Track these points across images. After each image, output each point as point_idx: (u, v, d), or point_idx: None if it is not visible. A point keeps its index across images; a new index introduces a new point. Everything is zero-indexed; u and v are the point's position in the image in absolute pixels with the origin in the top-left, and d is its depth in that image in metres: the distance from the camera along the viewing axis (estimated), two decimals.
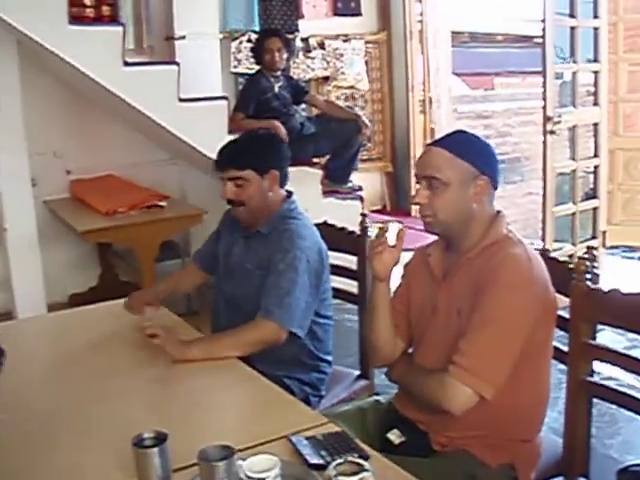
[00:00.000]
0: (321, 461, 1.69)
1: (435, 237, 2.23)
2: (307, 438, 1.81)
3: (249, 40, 5.97)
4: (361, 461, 1.58)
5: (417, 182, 2.16)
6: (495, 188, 2.15)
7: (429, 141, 6.55)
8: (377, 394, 2.82)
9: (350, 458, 1.62)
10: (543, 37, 5.09)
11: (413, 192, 2.29)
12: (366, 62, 6.67)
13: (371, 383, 3.02)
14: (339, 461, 1.60)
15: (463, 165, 2.07)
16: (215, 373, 2.34)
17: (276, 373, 2.57)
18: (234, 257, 2.83)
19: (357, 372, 3.04)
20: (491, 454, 2.07)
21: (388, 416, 2.30)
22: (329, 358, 2.88)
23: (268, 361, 2.56)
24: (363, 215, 3.05)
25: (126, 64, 4.55)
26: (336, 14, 6.55)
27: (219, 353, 2.43)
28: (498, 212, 2.17)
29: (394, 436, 2.20)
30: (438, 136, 2.38)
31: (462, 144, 2.12)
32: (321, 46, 6.43)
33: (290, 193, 2.84)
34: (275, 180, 2.73)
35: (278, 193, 2.77)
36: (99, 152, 5.68)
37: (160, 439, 1.65)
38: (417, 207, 2.21)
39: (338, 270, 2.99)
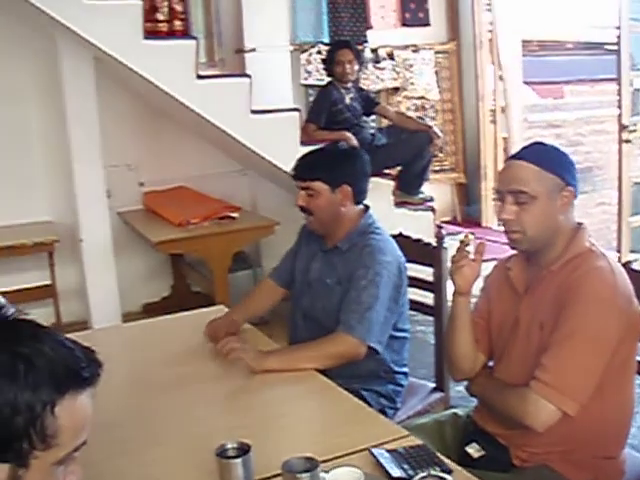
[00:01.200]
0: (404, 475, 1.68)
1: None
2: (389, 451, 1.80)
3: (319, 52, 6.00)
4: (445, 475, 1.57)
5: (499, 198, 2.10)
6: (575, 198, 2.12)
7: (500, 151, 6.50)
8: (452, 407, 2.79)
9: (433, 472, 1.61)
10: (618, 44, 5.01)
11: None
12: (436, 72, 6.63)
13: (446, 395, 2.99)
14: (422, 475, 1.59)
15: (549, 177, 2.03)
16: (293, 384, 2.34)
17: (353, 385, 2.56)
18: (313, 272, 2.83)
19: (432, 384, 3.02)
20: (574, 470, 2.03)
21: (467, 429, 2.28)
22: (405, 370, 2.86)
23: (345, 374, 2.54)
24: (439, 227, 3.03)
25: (199, 77, 4.61)
26: (404, 24, 6.54)
27: (298, 365, 2.44)
28: (580, 224, 2.13)
29: (473, 450, 2.17)
30: (510, 146, 2.32)
31: (546, 156, 2.08)
32: (390, 57, 6.41)
33: (367, 207, 2.84)
34: (347, 195, 2.72)
35: (352, 209, 2.76)
36: (171, 164, 5.79)
37: (243, 450, 1.66)
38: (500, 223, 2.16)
39: (413, 282, 2.96)
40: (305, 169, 2.76)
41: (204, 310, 3.19)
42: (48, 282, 5.36)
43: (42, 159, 5.46)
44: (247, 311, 2.96)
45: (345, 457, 1.81)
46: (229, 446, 1.69)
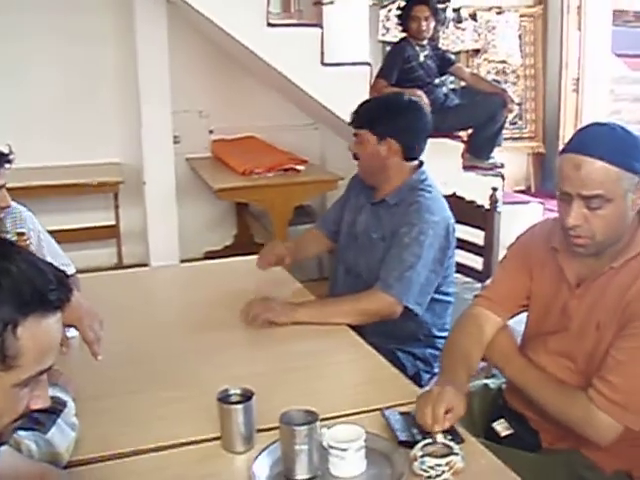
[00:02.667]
0: (410, 439, 1.61)
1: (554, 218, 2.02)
2: (401, 413, 1.73)
3: (399, 8, 5.84)
4: (451, 444, 1.50)
5: (564, 200, 1.83)
6: None
7: (582, 122, 6.23)
8: (494, 375, 2.69)
9: (439, 439, 1.53)
10: None
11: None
12: (519, 36, 6.41)
13: (489, 364, 2.89)
14: (428, 441, 1.52)
15: (627, 176, 1.78)
16: (321, 338, 2.30)
17: (389, 346, 2.51)
18: (359, 225, 2.77)
19: None
20: (607, 458, 1.87)
21: (495, 404, 2.16)
22: (446, 335, 2.77)
23: (382, 333, 2.49)
24: (494, 189, 2.92)
25: (270, 25, 4.54)
26: None
27: (329, 318, 2.39)
28: None
29: (500, 427, 2.03)
30: (587, 118, 2.06)
31: (622, 149, 1.79)
32: (473, 17, 6.22)
33: (421, 163, 2.74)
34: (393, 150, 2.64)
35: (401, 164, 2.67)
36: (242, 113, 5.78)
37: (246, 397, 1.62)
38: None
39: (463, 244, 2.87)
40: (357, 116, 2.75)
41: (254, 257, 3.17)
42: (112, 223, 5.44)
43: (114, 101, 5.52)
44: (295, 246, 2.97)
45: (356, 415, 1.76)
46: (232, 392, 1.65)
